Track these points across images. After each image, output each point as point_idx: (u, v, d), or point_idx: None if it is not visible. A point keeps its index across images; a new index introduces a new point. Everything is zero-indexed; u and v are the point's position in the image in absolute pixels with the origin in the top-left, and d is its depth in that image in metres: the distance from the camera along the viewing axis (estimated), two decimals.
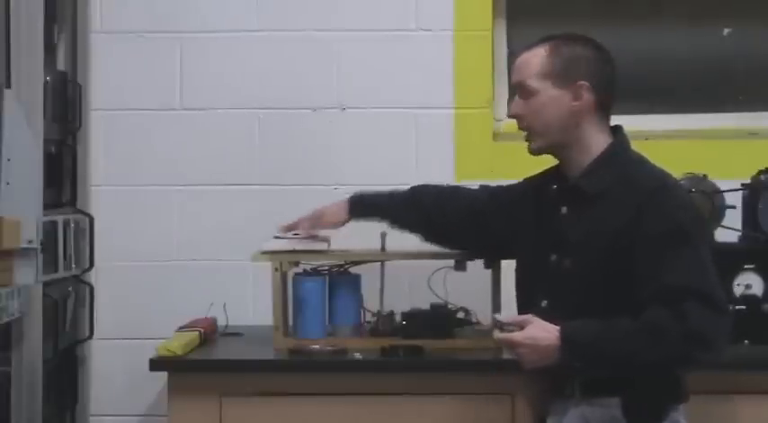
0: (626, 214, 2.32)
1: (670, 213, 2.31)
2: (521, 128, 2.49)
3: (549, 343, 2.31)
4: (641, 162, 2.45)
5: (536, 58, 2.44)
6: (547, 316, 2.38)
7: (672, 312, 2.24)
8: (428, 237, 2.80)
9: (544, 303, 2.44)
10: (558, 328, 2.31)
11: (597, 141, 2.43)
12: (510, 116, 2.52)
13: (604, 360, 2.31)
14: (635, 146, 2.50)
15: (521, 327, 2.35)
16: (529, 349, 2.33)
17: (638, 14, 3.53)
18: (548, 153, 2.49)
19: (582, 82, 2.40)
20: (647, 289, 2.28)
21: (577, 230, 2.41)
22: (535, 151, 2.48)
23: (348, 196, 2.87)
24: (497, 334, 2.41)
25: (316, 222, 2.88)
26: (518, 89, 2.49)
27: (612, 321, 2.28)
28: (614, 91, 2.46)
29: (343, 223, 2.86)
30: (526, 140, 2.49)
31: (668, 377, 2.35)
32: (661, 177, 2.40)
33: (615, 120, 2.50)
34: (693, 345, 2.24)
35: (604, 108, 2.44)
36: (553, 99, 2.42)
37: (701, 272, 2.28)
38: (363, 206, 2.84)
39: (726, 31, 3.54)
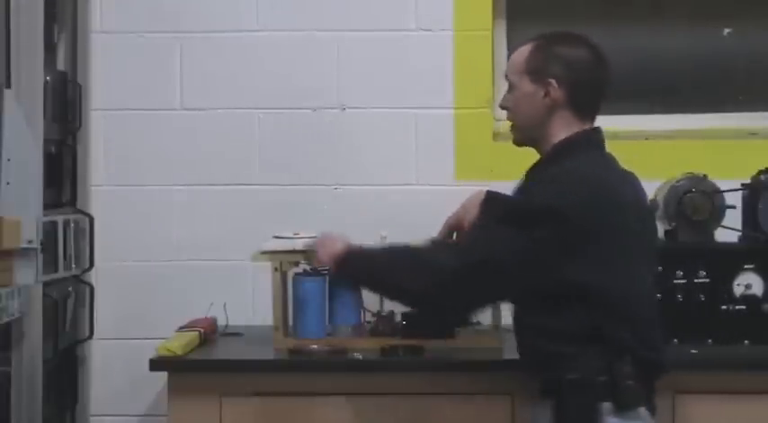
0: None
1: (525, 196, 2.39)
2: (508, 119, 2.55)
3: (339, 245, 2.56)
4: (586, 163, 2.40)
5: (521, 54, 2.50)
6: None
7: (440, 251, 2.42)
8: None
9: None
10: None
11: (560, 138, 2.45)
12: (500, 107, 2.57)
13: (370, 273, 2.54)
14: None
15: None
16: (320, 243, 2.64)
17: (638, 14, 3.53)
18: (526, 145, 2.53)
19: (551, 79, 2.43)
20: None
21: None
22: (516, 143, 2.56)
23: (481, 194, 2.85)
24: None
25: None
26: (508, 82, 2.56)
27: (397, 246, 2.49)
28: (596, 92, 2.46)
29: None
30: (510, 131, 2.55)
31: (601, 381, 2.29)
32: (558, 181, 2.36)
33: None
34: (432, 277, 2.37)
35: (577, 106, 2.45)
36: (527, 94, 2.47)
37: (491, 241, 2.34)
38: None
39: (726, 31, 3.53)
